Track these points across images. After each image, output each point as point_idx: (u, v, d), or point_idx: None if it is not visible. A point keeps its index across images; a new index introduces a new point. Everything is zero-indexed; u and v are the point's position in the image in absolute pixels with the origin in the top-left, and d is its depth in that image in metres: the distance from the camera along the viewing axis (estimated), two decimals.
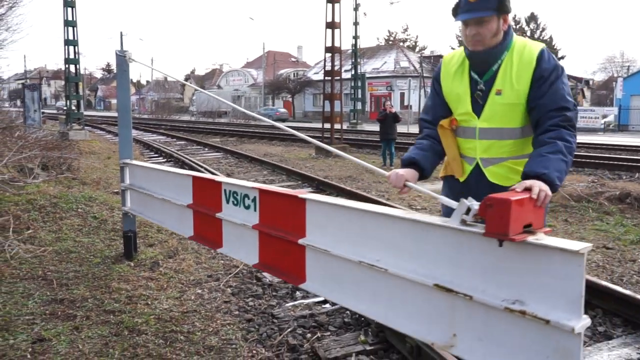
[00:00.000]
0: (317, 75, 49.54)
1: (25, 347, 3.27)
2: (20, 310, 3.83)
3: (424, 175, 2.29)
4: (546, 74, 2.10)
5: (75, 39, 17.57)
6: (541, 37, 52.83)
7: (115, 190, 8.63)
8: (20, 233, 5.53)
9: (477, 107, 2.24)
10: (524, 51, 2.15)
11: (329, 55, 15.37)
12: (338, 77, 15.06)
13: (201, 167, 11.23)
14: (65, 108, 18.71)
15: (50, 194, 6.84)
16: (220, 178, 3.46)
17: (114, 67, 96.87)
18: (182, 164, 12.55)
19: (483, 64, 2.20)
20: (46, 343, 3.33)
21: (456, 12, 2.18)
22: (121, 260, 4.98)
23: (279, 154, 15.70)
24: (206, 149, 17.16)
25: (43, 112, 20.23)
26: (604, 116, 33.15)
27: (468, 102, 2.26)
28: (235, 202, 3.14)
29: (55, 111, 48.22)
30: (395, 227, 2.06)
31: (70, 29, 17.45)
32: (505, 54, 2.17)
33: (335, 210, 2.37)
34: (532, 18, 53.47)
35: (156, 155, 15.33)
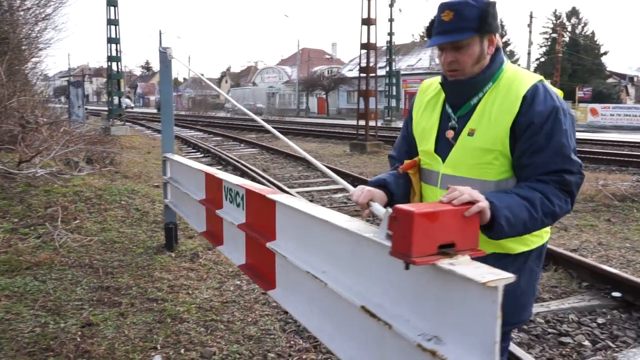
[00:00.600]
0: (351, 72, 49.41)
1: (75, 330, 3.42)
2: (70, 296, 4.01)
3: (393, 201, 1.80)
4: (539, 121, 1.59)
5: (117, 37, 18.10)
6: (583, 32, 51.16)
7: (156, 184, 8.88)
8: (68, 223, 5.76)
9: (444, 147, 1.77)
10: (511, 85, 1.67)
11: (364, 51, 15.34)
12: (373, 74, 15.01)
13: (238, 162, 11.41)
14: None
15: (96, 186, 7.10)
16: (221, 174, 3.43)
17: (153, 64, 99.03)
18: (219, 160, 12.77)
19: (460, 96, 1.74)
20: (94, 327, 3.48)
21: (430, 33, 1.74)
22: (162, 251, 5.14)
23: (314, 150, 15.78)
24: (242, 145, 17.41)
25: (86, 108, 20.90)
26: None
27: (432, 139, 1.81)
28: (231, 200, 3.08)
29: (98, 108, 49.70)
30: (337, 237, 1.78)
31: (113, 27, 17.99)
32: (489, 85, 1.70)
33: (295, 214, 2.15)
34: (574, 13, 51.81)
35: (194, 150, 15.66)
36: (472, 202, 1.39)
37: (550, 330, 3.54)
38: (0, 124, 8.75)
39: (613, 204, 7.26)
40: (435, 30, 1.68)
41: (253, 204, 2.69)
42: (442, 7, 1.66)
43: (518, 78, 1.67)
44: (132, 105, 60.42)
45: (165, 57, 5.09)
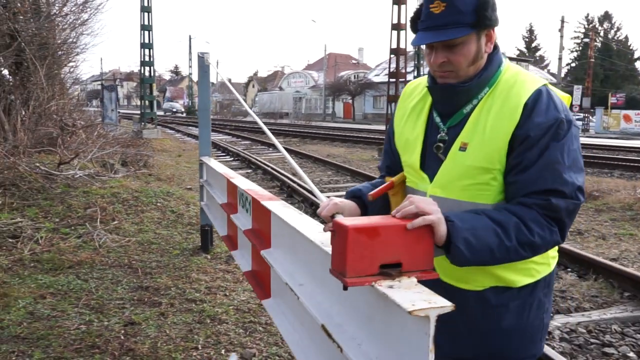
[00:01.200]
0: (377, 77, 49.34)
1: (118, 329, 3.52)
2: (111, 295, 4.12)
3: (367, 214, 1.58)
4: (536, 134, 1.32)
5: (151, 42, 18.53)
6: (616, 37, 50.01)
7: (188, 186, 9.04)
8: (107, 224, 5.92)
9: (432, 164, 1.49)
10: (510, 91, 1.39)
11: (392, 57, 15.32)
12: (402, 79, 14.98)
13: (267, 166, 11.51)
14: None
15: (132, 188, 7.27)
16: (237, 179, 3.46)
17: (181, 69, 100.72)
18: (249, 163, 12.91)
19: (450, 103, 1.45)
20: (137, 326, 3.57)
21: (415, 26, 1.44)
22: (198, 253, 5.23)
23: (342, 155, 15.81)
24: (270, 149, 17.55)
25: (118, 112, 21.39)
26: None
27: (417, 153, 1.52)
28: (243, 205, 3.08)
29: (129, 111, 50.76)
30: (314, 250, 1.65)
31: (146, 32, 18.42)
32: (485, 90, 1.42)
33: (284, 224, 2.06)
34: (606, 17, 50.73)
35: (223, 154, 15.86)
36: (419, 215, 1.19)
37: (592, 340, 3.48)
38: (40, 126, 9.03)
39: None
40: (422, 25, 1.39)
41: (257, 210, 2.65)
42: None
43: (518, 82, 1.40)
44: (182, 109, 61.41)
45: (203, 62, 5.21)
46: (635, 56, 49.52)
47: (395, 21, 14.60)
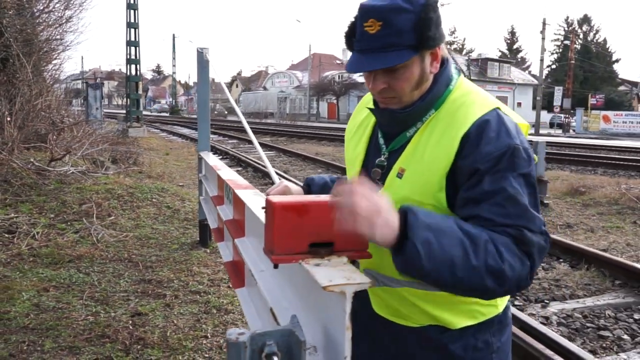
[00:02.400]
0: (361, 77, 49.40)
1: (125, 319, 3.54)
2: (114, 287, 4.14)
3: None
4: (485, 167, 1.15)
5: (137, 40, 18.38)
6: (595, 40, 51.06)
7: (180, 184, 9.03)
8: (103, 219, 5.91)
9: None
10: (454, 115, 1.22)
11: None
12: None
13: (258, 164, 11.54)
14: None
15: (126, 184, 7.25)
16: (222, 171, 3.51)
17: (164, 68, 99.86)
18: (239, 161, 12.92)
19: (393, 125, 1.31)
20: (144, 317, 3.60)
21: (350, 45, 1.27)
22: (197, 247, 5.27)
23: (330, 153, 15.90)
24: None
25: (103, 111, 21.14)
26: None
27: (355, 174, 1.40)
28: (227, 195, 3.08)
29: (110, 110, 50.16)
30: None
31: (132, 30, 18.28)
32: (431, 112, 1.26)
33: (252, 212, 2.03)
34: (585, 20, 51.77)
35: (212, 152, 15.81)
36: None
37: (588, 324, 3.62)
38: (29, 122, 8.94)
39: (638, 207, 7.32)
40: (357, 46, 1.21)
41: (235, 199, 2.64)
42: (364, 13, 1.18)
43: (465, 104, 1.23)
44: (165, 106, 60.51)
45: (202, 58, 5.24)
46: (614, 58, 50.66)
47: None
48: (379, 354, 1.43)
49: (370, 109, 1.34)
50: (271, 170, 1.80)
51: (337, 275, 1.04)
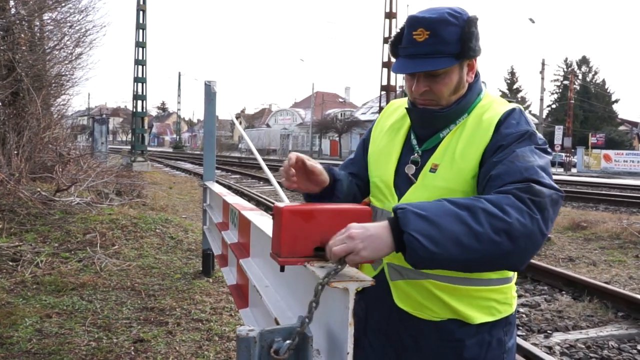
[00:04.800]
0: (364, 115, 50.23)
1: (128, 345, 3.54)
2: (117, 315, 4.14)
3: (335, 190, 1.52)
4: (507, 142, 1.29)
5: (144, 76, 18.83)
6: (593, 81, 51.89)
7: (183, 216, 9.09)
8: (107, 249, 5.94)
9: (402, 184, 1.44)
10: (482, 116, 1.38)
11: (382, 94, 15.79)
12: None
13: (260, 198, 11.61)
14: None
15: (130, 215, 7.30)
16: (227, 197, 3.57)
17: (168, 105, 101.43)
18: (242, 195, 12.99)
19: (428, 127, 1.44)
20: (146, 343, 3.60)
21: (395, 51, 1.41)
22: (200, 277, 5.28)
23: None
24: (261, 182, 17.67)
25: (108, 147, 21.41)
26: None
27: (391, 169, 1.48)
28: (232, 220, 3.12)
29: (115, 146, 50.63)
30: None
31: (140, 67, 18.75)
32: (464, 116, 1.41)
33: (260, 232, 2.05)
34: (584, 61, 52.75)
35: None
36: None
37: (592, 355, 3.60)
38: (37, 154, 9.08)
39: None
40: (404, 51, 1.36)
41: (241, 222, 2.69)
42: (414, 23, 1.34)
43: (493, 106, 1.40)
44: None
45: (209, 90, 5.39)
46: (613, 98, 51.31)
47: (385, 59, 15.12)
48: (393, 350, 1.46)
49: (408, 109, 1.47)
50: (283, 196, 1.89)
51: (340, 274, 1.09)
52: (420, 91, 1.36)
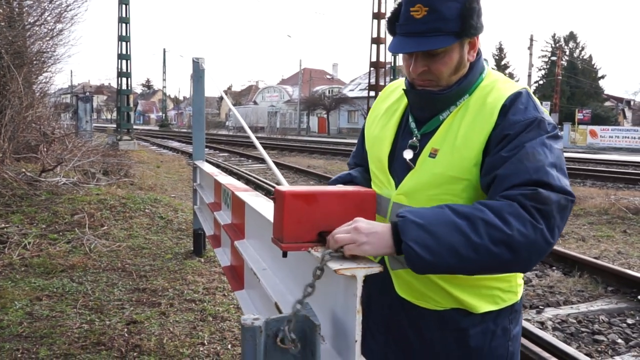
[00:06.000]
0: (352, 92, 49.92)
1: (121, 327, 3.51)
2: (108, 296, 4.10)
3: None
4: (515, 131, 1.20)
5: (128, 53, 18.42)
6: (581, 56, 51.99)
7: (172, 195, 9.00)
8: (95, 229, 5.86)
9: (400, 170, 1.37)
10: (486, 98, 1.29)
11: (370, 71, 15.64)
12: None
13: (250, 176, 11.54)
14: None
15: (119, 195, 7.21)
16: (219, 177, 3.53)
17: (153, 82, 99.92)
18: (230, 174, 12.90)
19: (427, 108, 1.35)
20: (139, 325, 3.57)
21: (393, 29, 1.32)
22: (191, 257, 5.24)
23: (322, 166, 15.95)
24: (250, 161, 17.56)
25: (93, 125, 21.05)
26: None
27: (385, 153, 1.42)
28: (224, 200, 3.11)
29: (99, 124, 49.92)
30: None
31: (124, 43, 18.32)
32: (465, 97, 1.32)
33: (256, 214, 2.03)
34: (572, 37, 52.67)
35: None
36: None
37: (583, 329, 3.66)
38: (21, 133, 8.88)
39: (627, 217, 7.43)
40: (401, 29, 1.27)
41: (234, 202, 2.65)
42: None
43: (495, 88, 1.30)
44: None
45: (197, 68, 5.27)
46: (599, 74, 51.49)
47: (375, 35, 14.94)
48: (394, 340, 1.43)
49: (405, 91, 1.38)
50: (285, 183, 1.83)
51: (346, 260, 1.07)
52: (418, 71, 1.28)
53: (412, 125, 1.38)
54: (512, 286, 1.36)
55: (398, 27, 1.28)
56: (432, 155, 1.30)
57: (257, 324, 1.02)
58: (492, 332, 1.34)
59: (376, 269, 1.02)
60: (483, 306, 1.33)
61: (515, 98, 1.25)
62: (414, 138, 1.36)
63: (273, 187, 9.88)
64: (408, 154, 1.35)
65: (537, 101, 1.28)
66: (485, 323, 1.34)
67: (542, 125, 1.20)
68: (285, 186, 1.21)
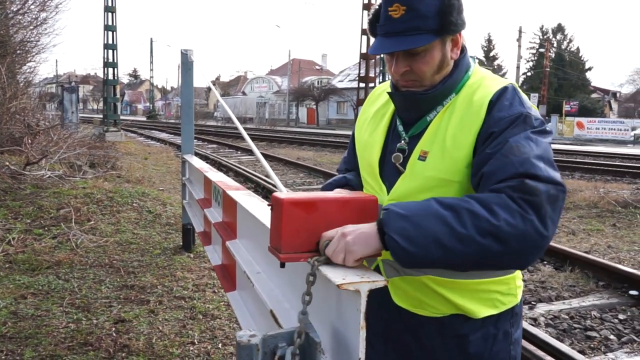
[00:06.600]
0: (341, 83, 49.75)
1: (108, 326, 3.43)
2: (96, 294, 4.01)
3: None
4: (499, 128, 1.18)
5: (115, 43, 18.10)
6: (568, 49, 52.25)
7: (160, 188, 8.88)
8: (82, 224, 5.75)
9: (390, 174, 1.34)
10: (473, 95, 1.26)
11: (358, 63, 15.54)
12: (372, 83, 15.22)
13: (239, 168, 11.44)
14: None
15: (106, 188, 7.09)
16: (210, 173, 3.47)
17: (140, 72, 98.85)
18: (219, 166, 12.78)
19: (413, 110, 1.33)
20: (127, 324, 3.50)
21: (374, 30, 1.31)
22: (180, 252, 5.16)
23: (312, 158, 15.87)
24: (239, 152, 17.42)
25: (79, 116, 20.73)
26: (634, 128, 32.62)
27: (375, 159, 1.39)
28: (215, 198, 3.05)
29: (86, 115, 49.29)
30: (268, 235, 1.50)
31: (110, 33, 17.99)
32: (451, 96, 1.29)
33: (248, 214, 1.98)
34: (559, 29, 52.88)
35: None
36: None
37: (575, 325, 3.66)
38: (4, 125, 8.69)
39: (617, 210, 7.48)
40: (381, 30, 1.25)
41: (226, 201, 2.58)
42: None
43: (482, 86, 1.27)
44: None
45: (186, 59, 5.16)
46: (587, 67, 51.82)
47: (364, 26, 14.82)
48: (394, 350, 1.39)
49: (390, 93, 1.35)
50: (274, 177, 1.79)
51: (349, 272, 1.02)
52: (400, 72, 1.26)
53: (400, 128, 1.36)
54: (511, 288, 1.33)
55: (378, 27, 1.26)
56: (422, 158, 1.27)
57: (254, 341, 0.96)
58: (493, 336, 1.32)
59: (380, 282, 0.97)
60: (483, 311, 1.30)
61: (500, 94, 1.22)
62: (402, 141, 1.34)
63: (263, 179, 9.80)
64: (397, 158, 1.33)
65: (524, 96, 1.26)
66: (485, 328, 1.31)
67: (528, 121, 1.18)
68: (283, 192, 1.15)
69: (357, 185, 1.49)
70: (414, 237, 1.05)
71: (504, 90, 1.24)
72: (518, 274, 1.36)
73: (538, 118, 1.20)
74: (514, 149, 1.12)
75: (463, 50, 1.30)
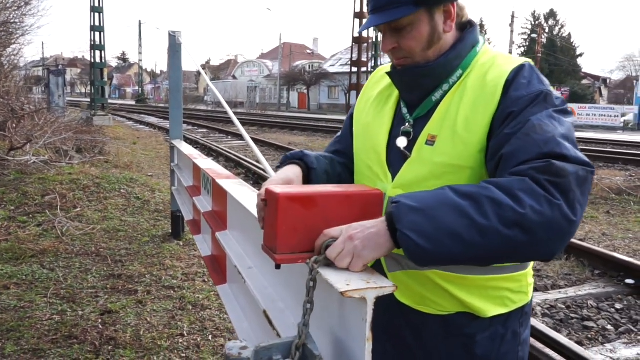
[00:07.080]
0: (332, 67, 49.38)
1: (94, 318, 3.32)
2: (82, 284, 3.90)
3: (312, 178, 1.30)
4: (519, 107, 1.08)
5: (102, 25, 17.69)
6: (560, 34, 52.19)
7: (149, 174, 8.72)
8: (68, 211, 5.60)
9: (396, 160, 1.24)
10: (487, 73, 1.17)
11: (351, 47, 15.36)
12: (365, 68, 15.06)
13: (230, 153, 11.28)
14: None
15: (92, 174, 6.92)
16: (199, 161, 3.36)
17: (129, 55, 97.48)
18: (209, 151, 12.62)
19: (414, 88, 1.25)
20: (114, 315, 3.39)
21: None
22: (169, 240, 5.04)
23: (303, 143, 15.74)
24: (229, 137, 17.23)
25: (66, 99, 20.36)
26: (624, 115, 32.80)
27: (382, 141, 1.28)
28: (205, 186, 2.97)
29: (73, 99, 48.62)
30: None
31: (97, 15, 17.58)
32: (458, 73, 1.20)
33: (238, 204, 1.90)
34: (552, 14, 52.77)
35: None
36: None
37: (572, 315, 3.61)
38: None
39: (610, 197, 7.46)
40: (369, 7, 1.20)
41: (215, 190, 2.46)
42: None
43: (496, 64, 1.17)
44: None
45: (174, 42, 4.99)
46: (578, 52, 51.85)
47: (357, 10, 14.61)
48: (394, 348, 1.30)
49: (389, 73, 1.29)
50: (264, 162, 1.67)
51: (354, 277, 0.91)
52: (388, 49, 1.21)
53: (404, 110, 1.27)
54: (523, 286, 1.24)
55: (369, 6, 1.22)
56: (430, 142, 1.17)
57: (245, 354, 0.86)
58: (501, 336, 1.23)
59: (389, 289, 0.86)
60: (491, 309, 1.20)
61: (517, 72, 1.13)
62: (407, 124, 1.24)
63: (254, 165, 9.66)
64: (402, 142, 1.22)
65: (541, 74, 1.16)
66: (493, 327, 1.22)
67: (549, 99, 1.09)
68: (278, 187, 1.04)
69: (313, 163, 1.31)
70: (429, 232, 0.94)
71: (520, 68, 1.14)
72: (530, 270, 1.26)
73: (559, 97, 1.11)
74: (537, 127, 1.02)
75: (472, 24, 1.24)
